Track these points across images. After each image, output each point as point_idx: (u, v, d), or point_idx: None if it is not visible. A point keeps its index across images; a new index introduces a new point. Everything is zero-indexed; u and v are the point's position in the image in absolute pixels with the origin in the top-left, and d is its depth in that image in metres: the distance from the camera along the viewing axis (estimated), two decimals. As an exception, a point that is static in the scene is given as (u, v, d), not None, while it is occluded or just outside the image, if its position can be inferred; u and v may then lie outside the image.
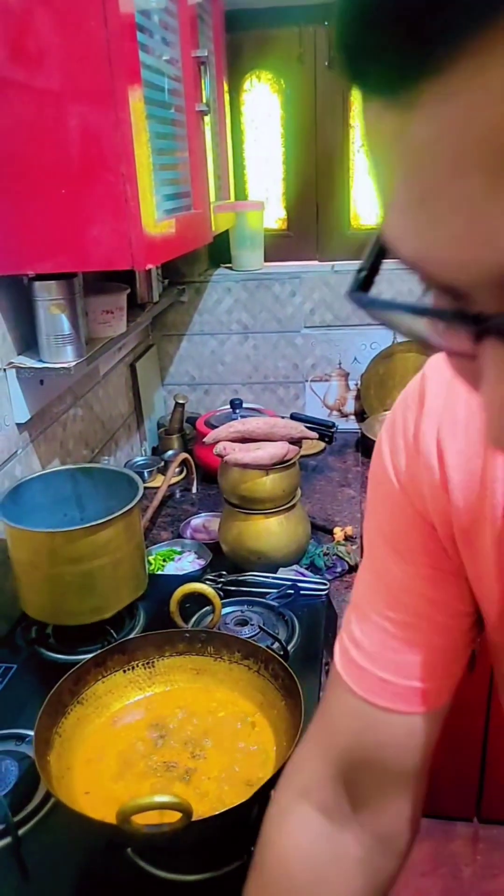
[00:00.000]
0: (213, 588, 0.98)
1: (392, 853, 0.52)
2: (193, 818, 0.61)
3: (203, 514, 1.59)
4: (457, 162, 0.20)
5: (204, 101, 1.33)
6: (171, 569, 1.39)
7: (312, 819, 0.53)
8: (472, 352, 0.25)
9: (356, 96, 0.23)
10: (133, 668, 0.87)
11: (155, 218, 1.07)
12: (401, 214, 0.23)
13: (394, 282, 1.69)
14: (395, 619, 0.50)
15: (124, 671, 0.86)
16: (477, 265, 0.22)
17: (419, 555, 0.49)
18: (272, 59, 1.84)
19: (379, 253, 0.28)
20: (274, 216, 2.03)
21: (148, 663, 0.88)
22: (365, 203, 1.98)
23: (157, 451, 1.97)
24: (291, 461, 1.28)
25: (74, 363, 1.17)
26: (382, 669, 0.50)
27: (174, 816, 0.61)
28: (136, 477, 1.10)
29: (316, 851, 0.52)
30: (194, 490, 1.72)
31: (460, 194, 0.21)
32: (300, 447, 1.32)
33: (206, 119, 1.41)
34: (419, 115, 0.21)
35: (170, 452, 1.86)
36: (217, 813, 0.63)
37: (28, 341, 1.21)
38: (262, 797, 0.71)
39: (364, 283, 0.28)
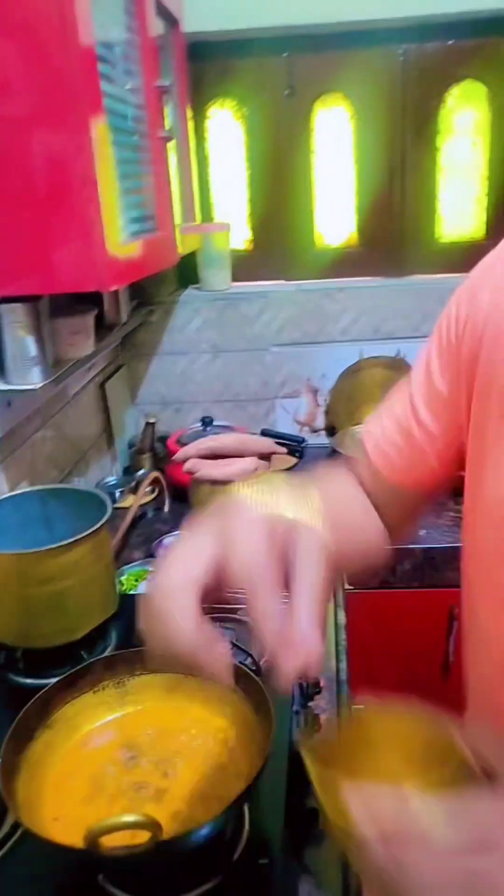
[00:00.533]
0: (184, 606, 0.98)
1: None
2: (164, 837, 0.61)
3: (176, 533, 1.59)
4: None
5: (167, 127, 1.36)
6: (143, 588, 1.38)
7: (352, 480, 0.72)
8: None
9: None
10: (103, 688, 0.87)
11: (120, 240, 1.08)
12: None
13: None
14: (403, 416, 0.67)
15: (94, 692, 0.86)
16: None
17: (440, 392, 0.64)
18: (235, 87, 1.89)
19: None
20: (241, 237, 2.06)
21: (119, 683, 0.87)
22: (328, 223, 2.02)
23: (128, 471, 1.97)
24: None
25: (41, 384, 1.17)
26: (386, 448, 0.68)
27: (144, 837, 0.61)
28: (105, 496, 1.10)
29: (352, 490, 0.70)
30: (166, 509, 1.72)
31: None
32: (270, 462, 1.34)
33: (171, 144, 1.44)
34: None
35: (141, 472, 1.86)
36: (186, 831, 0.64)
37: (-5, 364, 1.21)
38: (233, 814, 0.72)
39: None
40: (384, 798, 0.39)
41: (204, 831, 0.65)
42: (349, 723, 0.50)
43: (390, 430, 0.68)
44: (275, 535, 0.47)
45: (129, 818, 0.59)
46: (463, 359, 0.60)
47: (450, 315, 0.63)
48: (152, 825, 0.59)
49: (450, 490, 0.70)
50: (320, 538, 0.47)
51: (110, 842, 0.60)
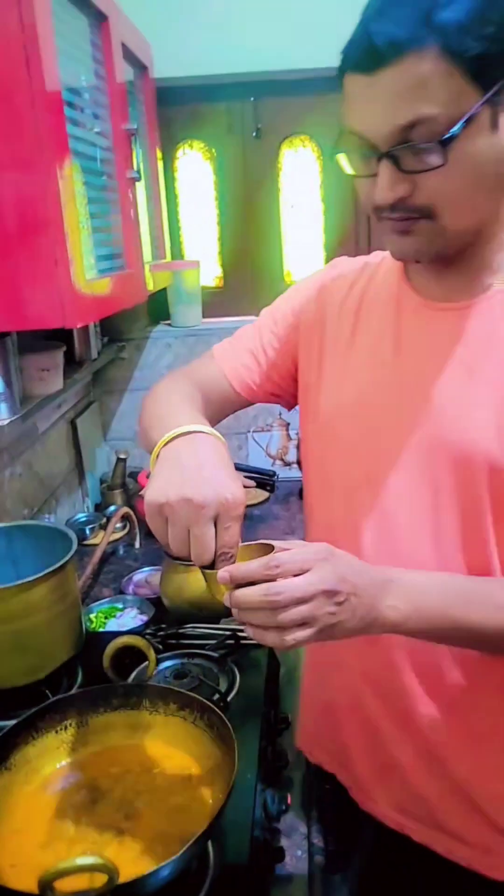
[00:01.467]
0: (152, 642, 0.98)
1: None
2: (122, 880, 0.60)
3: (146, 569, 1.58)
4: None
5: (135, 168, 1.39)
6: (112, 625, 1.37)
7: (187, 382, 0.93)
8: (372, 171, 0.66)
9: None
10: (66, 728, 0.85)
11: (87, 277, 1.10)
12: (354, 106, 0.65)
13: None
14: (255, 350, 0.95)
15: (56, 732, 0.84)
16: (383, 128, 0.63)
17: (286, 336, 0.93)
18: (203, 130, 1.94)
19: (341, 134, 0.67)
20: (211, 274, 2.10)
21: (81, 722, 0.86)
22: (296, 260, 2.07)
23: (100, 508, 1.96)
24: (229, 512, 1.29)
25: (8, 421, 1.17)
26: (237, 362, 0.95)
27: (102, 880, 0.60)
28: (71, 533, 1.10)
29: (187, 386, 0.92)
30: (137, 545, 1.71)
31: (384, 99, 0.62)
32: (238, 498, 1.34)
33: (140, 184, 1.47)
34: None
35: (112, 508, 1.85)
36: (144, 874, 0.62)
37: (-39, 401, 1.21)
38: (195, 853, 0.71)
39: (336, 143, 0.68)
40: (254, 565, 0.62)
41: (164, 872, 0.64)
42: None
43: (241, 350, 0.96)
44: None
45: (84, 861, 0.58)
46: (302, 311, 0.91)
47: (296, 289, 0.94)
48: (109, 868, 0.58)
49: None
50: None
51: (66, 887, 0.59)
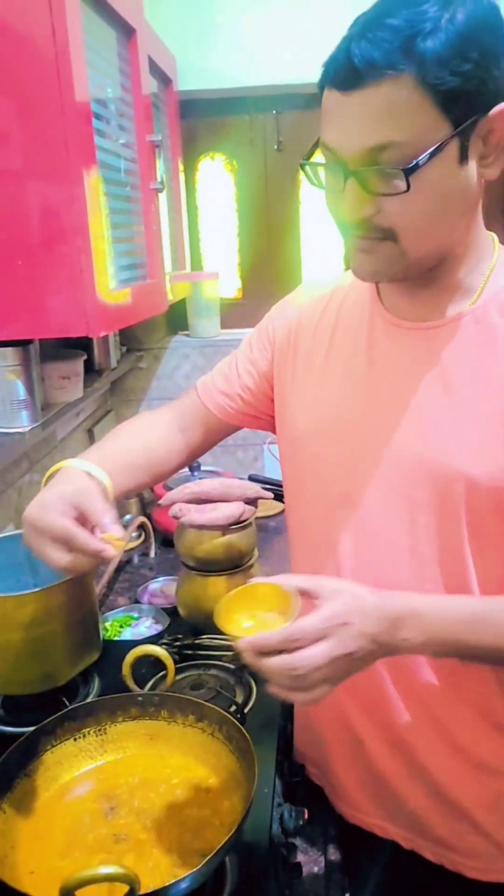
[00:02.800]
0: (169, 652, 0.97)
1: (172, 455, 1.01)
2: (142, 892, 0.60)
3: (161, 579, 1.58)
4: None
5: (158, 179, 1.40)
6: (127, 634, 1.36)
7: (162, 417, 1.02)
8: (340, 188, 0.66)
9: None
10: (84, 735, 0.85)
11: (110, 287, 1.10)
12: (329, 121, 0.66)
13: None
14: (230, 376, 0.99)
15: (75, 739, 0.84)
16: (353, 147, 0.64)
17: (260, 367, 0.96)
18: (225, 142, 1.96)
19: (316, 144, 0.69)
20: (231, 286, 2.11)
21: (100, 730, 0.86)
22: (315, 272, 2.07)
23: (115, 516, 1.96)
24: (247, 521, 1.29)
25: (29, 428, 1.18)
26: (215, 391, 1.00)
27: (123, 890, 0.59)
28: (91, 540, 1.10)
29: (153, 423, 1.02)
30: (152, 554, 1.71)
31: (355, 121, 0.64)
32: (256, 507, 1.34)
33: (162, 196, 1.48)
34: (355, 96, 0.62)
35: (127, 517, 1.85)
36: (165, 885, 0.62)
37: (-17, 407, 1.22)
38: (214, 866, 0.70)
39: (309, 154, 0.71)
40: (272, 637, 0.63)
41: (184, 885, 0.63)
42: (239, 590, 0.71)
43: (218, 379, 1.00)
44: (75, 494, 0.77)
45: (106, 870, 0.57)
46: (275, 340, 0.93)
47: (269, 317, 0.98)
48: (131, 878, 0.58)
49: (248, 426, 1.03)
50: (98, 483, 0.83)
51: (86, 894, 0.58)
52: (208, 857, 0.65)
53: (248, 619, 0.68)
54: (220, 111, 1.90)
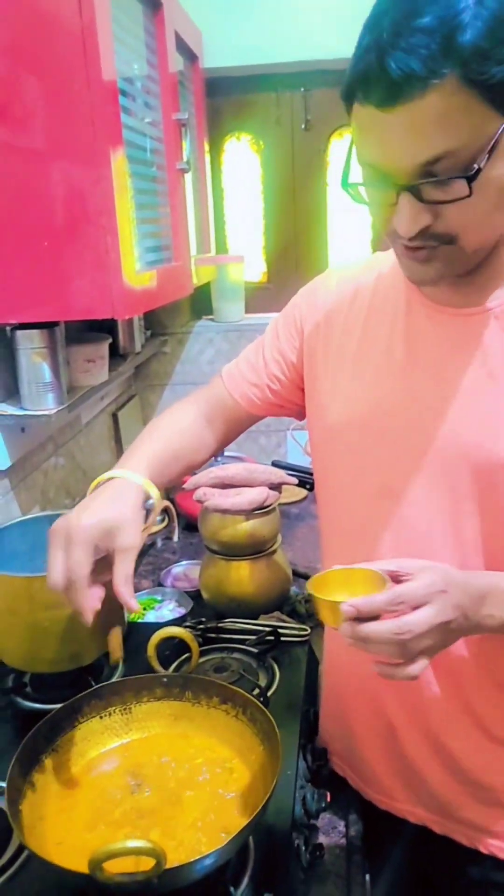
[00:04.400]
0: (193, 635, 0.98)
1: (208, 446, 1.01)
2: (168, 866, 0.60)
3: (184, 562, 1.59)
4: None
5: (185, 159, 1.39)
6: (151, 617, 1.37)
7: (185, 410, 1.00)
8: (393, 202, 0.63)
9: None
10: (110, 714, 0.86)
11: (136, 269, 1.10)
12: (369, 139, 0.62)
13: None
14: (257, 366, 0.96)
15: (101, 717, 0.85)
16: (404, 164, 0.60)
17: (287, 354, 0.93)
18: (251, 121, 1.93)
19: (349, 159, 0.65)
20: (256, 269, 2.09)
21: (125, 709, 0.86)
22: (342, 255, 2.05)
23: (139, 500, 1.97)
24: (271, 506, 1.29)
25: (55, 410, 1.18)
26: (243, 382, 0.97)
27: (148, 864, 0.60)
28: (116, 522, 1.10)
29: (183, 417, 0.99)
30: (175, 538, 1.72)
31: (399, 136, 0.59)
32: (280, 493, 1.33)
33: (187, 177, 1.47)
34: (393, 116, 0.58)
35: (150, 501, 1.85)
36: (191, 861, 0.62)
37: (10, 389, 1.23)
38: (238, 846, 0.70)
39: (345, 175, 0.66)
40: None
41: (209, 861, 0.63)
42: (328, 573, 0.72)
43: (245, 368, 0.97)
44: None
45: (135, 844, 0.58)
46: (304, 330, 0.90)
47: (296, 304, 0.93)
48: (157, 853, 0.58)
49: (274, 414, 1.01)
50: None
51: (114, 868, 0.59)
52: (232, 835, 0.65)
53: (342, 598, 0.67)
54: (246, 89, 1.88)
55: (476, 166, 0.58)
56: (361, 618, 0.63)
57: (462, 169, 0.59)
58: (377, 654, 0.64)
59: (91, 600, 0.74)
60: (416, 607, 0.63)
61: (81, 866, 0.60)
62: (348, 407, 0.83)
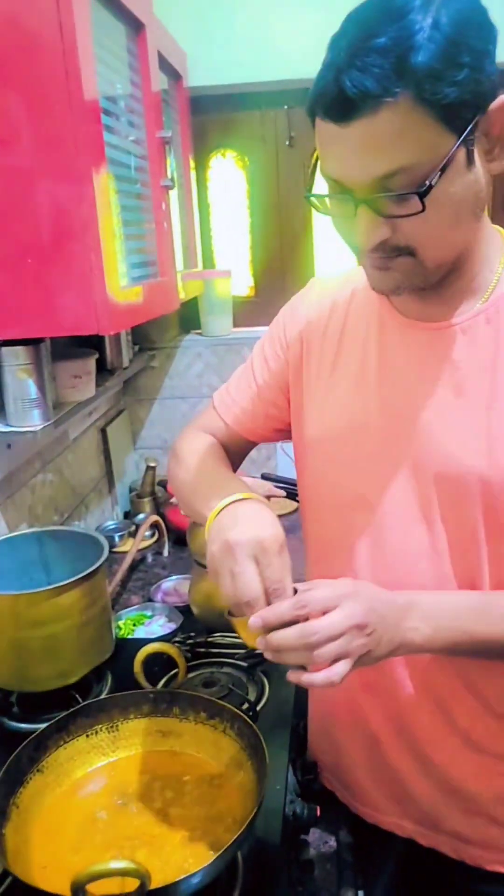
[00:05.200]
0: (182, 650, 0.97)
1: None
2: (154, 886, 0.59)
3: (175, 577, 1.58)
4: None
5: (169, 176, 1.40)
6: (140, 633, 1.37)
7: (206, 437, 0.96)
8: (350, 215, 0.65)
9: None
10: (97, 732, 0.85)
11: (121, 285, 1.10)
12: (328, 152, 0.64)
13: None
14: (249, 390, 0.95)
15: (87, 736, 0.84)
16: (360, 178, 0.62)
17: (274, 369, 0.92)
18: (236, 138, 1.95)
19: (314, 172, 0.68)
20: (243, 283, 2.10)
21: (112, 727, 0.86)
22: (328, 270, 2.06)
23: (129, 516, 1.96)
24: (259, 519, 1.28)
25: (41, 426, 1.18)
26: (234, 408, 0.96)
27: (134, 886, 0.59)
28: (102, 539, 1.10)
29: (208, 444, 0.95)
30: (165, 553, 1.71)
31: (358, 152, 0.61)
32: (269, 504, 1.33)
33: (173, 193, 1.48)
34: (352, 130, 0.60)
35: (141, 516, 1.85)
36: (177, 880, 0.61)
37: (-5, 406, 1.22)
38: (226, 862, 0.69)
39: (309, 185, 0.69)
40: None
41: (195, 880, 0.63)
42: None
43: (238, 397, 0.96)
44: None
45: (118, 865, 0.57)
46: (288, 346, 0.90)
47: (279, 322, 0.94)
48: (141, 873, 0.57)
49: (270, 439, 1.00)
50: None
51: (98, 890, 0.58)
52: (219, 853, 0.64)
53: None
54: (230, 107, 1.90)
55: (428, 183, 0.60)
56: (271, 628, 0.64)
57: (416, 185, 0.60)
58: (294, 662, 0.65)
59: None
60: (325, 612, 0.64)
61: (66, 890, 0.59)
62: (325, 420, 0.84)
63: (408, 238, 0.65)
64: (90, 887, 0.57)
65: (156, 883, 0.60)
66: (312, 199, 0.68)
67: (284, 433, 0.97)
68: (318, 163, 0.66)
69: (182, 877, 0.62)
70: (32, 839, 0.73)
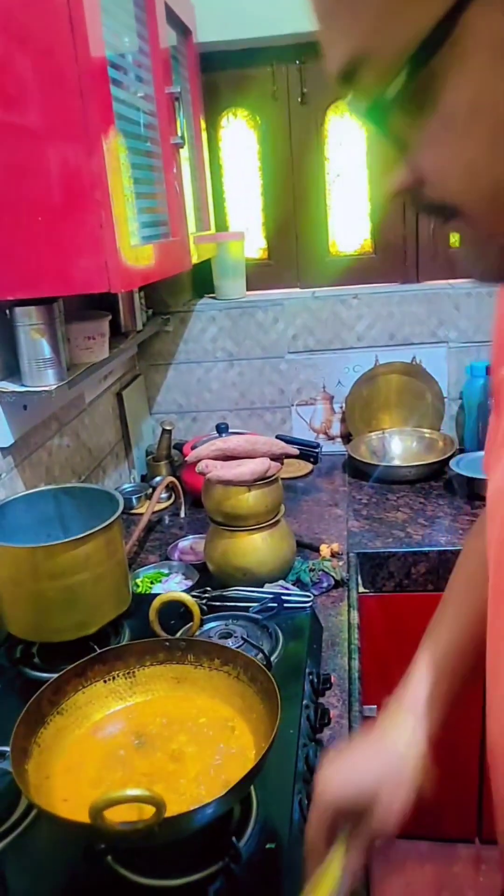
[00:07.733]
0: (198, 602, 0.99)
1: None
2: (169, 814, 0.62)
3: (191, 537, 1.60)
4: None
5: (179, 134, 1.39)
6: (158, 590, 1.39)
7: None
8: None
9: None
10: (114, 678, 0.87)
11: (131, 243, 1.11)
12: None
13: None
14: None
15: (105, 681, 0.87)
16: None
17: None
18: (247, 96, 1.92)
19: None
20: (255, 246, 2.09)
21: (128, 673, 0.88)
22: (342, 231, 2.04)
23: (146, 479, 1.99)
24: (273, 477, 1.30)
25: (56, 386, 1.19)
26: None
27: (150, 813, 0.61)
28: (117, 494, 1.12)
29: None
30: (182, 514, 1.73)
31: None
32: (282, 464, 1.34)
33: (184, 152, 1.47)
34: None
35: (157, 479, 1.87)
36: (191, 809, 0.64)
37: (11, 367, 1.24)
38: (239, 795, 0.72)
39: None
40: None
41: (209, 810, 0.65)
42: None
43: None
44: None
45: (134, 791, 0.60)
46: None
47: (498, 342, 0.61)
48: (157, 801, 0.60)
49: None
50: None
51: (116, 817, 0.61)
52: (232, 785, 0.67)
53: None
54: (241, 63, 1.86)
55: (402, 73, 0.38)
56: None
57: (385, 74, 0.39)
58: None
59: None
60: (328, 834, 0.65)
61: (86, 819, 0.61)
62: None
63: (434, 184, 0.42)
64: (108, 813, 0.60)
65: (171, 813, 0.62)
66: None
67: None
68: None
69: (196, 806, 0.64)
70: (54, 776, 0.76)
